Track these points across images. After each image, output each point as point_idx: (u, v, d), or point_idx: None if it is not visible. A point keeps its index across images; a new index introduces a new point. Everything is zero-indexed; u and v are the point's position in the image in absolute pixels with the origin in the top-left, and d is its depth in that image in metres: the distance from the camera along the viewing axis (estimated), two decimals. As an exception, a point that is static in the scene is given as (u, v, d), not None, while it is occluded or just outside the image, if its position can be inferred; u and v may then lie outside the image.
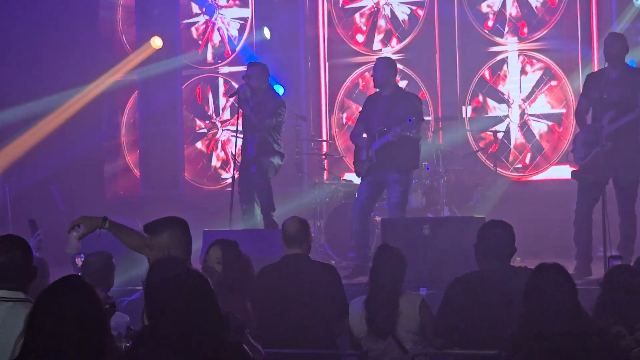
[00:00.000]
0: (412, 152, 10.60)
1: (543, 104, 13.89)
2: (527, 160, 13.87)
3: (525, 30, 14.00)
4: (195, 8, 15.75)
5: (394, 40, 14.66)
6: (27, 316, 3.94)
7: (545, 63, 13.84)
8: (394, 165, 10.44)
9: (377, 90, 10.98)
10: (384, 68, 10.77)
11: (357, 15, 14.92)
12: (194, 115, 15.69)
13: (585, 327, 5.01)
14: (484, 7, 14.20)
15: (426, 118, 13.75)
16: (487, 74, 14.11)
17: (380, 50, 14.69)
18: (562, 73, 13.71)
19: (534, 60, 13.94)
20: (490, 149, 13.45)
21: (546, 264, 5.19)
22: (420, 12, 14.46)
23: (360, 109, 11.35)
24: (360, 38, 14.89)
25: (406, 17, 14.63)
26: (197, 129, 15.69)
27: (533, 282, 5.11)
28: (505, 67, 14.06)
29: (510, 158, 13.90)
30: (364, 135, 10.92)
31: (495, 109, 14.09)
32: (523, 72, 14.01)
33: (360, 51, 14.74)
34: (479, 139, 14.04)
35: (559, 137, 13.68)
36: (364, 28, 14.88)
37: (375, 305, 6.76)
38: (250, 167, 11.20)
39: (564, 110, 13.70)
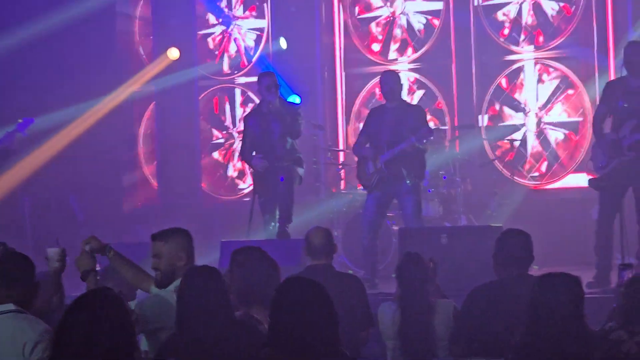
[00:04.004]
0: (420, 162, 10.68)
1: (560, 112, 13.87)
2: (544, 169, 13.85)
3: (541, 38, 14.00)
4: (212, 19, 15.83)
5: (410, 50, 14.68)
6: (55, 326, 3.99)
7: (561, 71, 13.84)
8: (404, 176, 10.49)
9: (382, 102, 11.06)
10: (393, 80, 10.81)
11: (372, 25, 14.94)
12: (211, 126, 15.75)
13: (587, 337, 5.02)
14: (499, 16, 14.21)
15: (442, 127, 13.86)
16: (503, 82, 14.11)
17: (396, 59, 14.71)
18: (579, 81, 13.70)
19: (550, 69, 13.93)
20: (507, 158, 13.45)
21: (552, 274, 5.19)
22: (436, 22, 14.47)
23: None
24: (376, 47, 14.91)
25: (422, 27, 14.63)
26: (214, 139, 15.75)
27: (538, 291, 5.11)
28: (521, 75, 14.06)
29: (527, 166, 13.88)
30: (366, 147, 10.96)
31: (512, 117, 14.08)
32: (539, 80, 14.00)
33: (377, 61, 14.76)
34: (496, 147, 14.01)
35: (575, 145, 13.66)
36: (380, 37, 14.90)
37: (409, 332, 6.76)
38: (278, 176, 11.01)
39: (580, 119, 13.69)
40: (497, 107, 14.14)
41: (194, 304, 5.08)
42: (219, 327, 5.01)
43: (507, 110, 14.11)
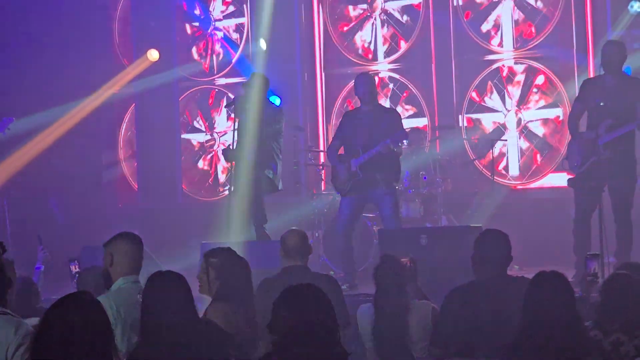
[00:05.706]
0: (395, 166, 10.67)
1: (537, 99, 13.86)
2: (539, 160, 13.83)
3: (521, 38, 14.02)
4: (193, 17, 15.79)
5: (391, 49, 14.69)
6: (34, 328, 3.99)
7: (541, 71, 13.87)
8: (379, 180, 10.49)
9: (357, 106, 11.07)
10: (369, 83, 10.79)
11: (357, 37, 14.92)
12: (192, 126, 15.74)
13: (581, 336, 5.04)
14: (479, 16, 14.23)
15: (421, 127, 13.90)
16: (474, 95, 14.10)
17: (377, 60, 14.72)
18: (558, 81, 13.73)
19: (529, 68, 13.96)
20: (499, 161, 13.40)
21: (545, 272, 5.22)
22: (416, 22, 14.47)
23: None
24: (357, 47, 14.91)
25: (402, 27, 14.64)
26: (196, 147, 15.74)
27: (532, 290, 5.13)
28: (500, 75, 14.07)
29: (522, 162, 13.88)
30: (340, 151, 10.95)
31: (491, 125, 14.07)
32: (511, 82, 14.01)
33: (356, 61, 14.77)
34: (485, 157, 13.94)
35: (561, 125, 13.65)
36: (360, 37, 14.91)
37: (383, 333, 6.77)
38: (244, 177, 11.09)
39: (559, 109, 13.70)
40: (473, 118, 14.14)
41: (158, 312, 5.05)
42: (184, 333, 4.99)
43: (484, 120, 14.10)
